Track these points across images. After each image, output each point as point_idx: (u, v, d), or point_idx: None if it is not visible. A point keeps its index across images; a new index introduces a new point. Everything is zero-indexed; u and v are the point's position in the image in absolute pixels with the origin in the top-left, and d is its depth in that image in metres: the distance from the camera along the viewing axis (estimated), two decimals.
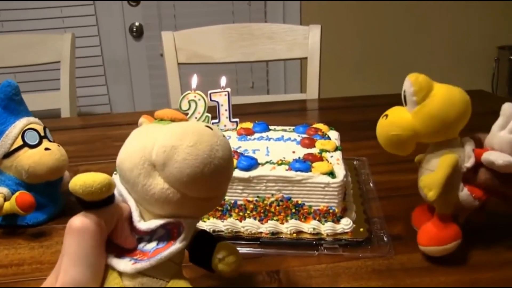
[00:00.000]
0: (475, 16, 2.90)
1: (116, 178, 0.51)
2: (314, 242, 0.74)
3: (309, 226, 0.75)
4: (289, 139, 0.88)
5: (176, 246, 0.49)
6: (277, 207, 0.76)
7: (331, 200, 0.75)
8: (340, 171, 0.76)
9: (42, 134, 0.83)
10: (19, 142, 0.81)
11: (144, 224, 0.50)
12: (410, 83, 0.66)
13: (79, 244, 0.46)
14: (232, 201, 0.77)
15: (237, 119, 0.96)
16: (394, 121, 0.69)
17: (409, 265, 0.69)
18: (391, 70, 2.87)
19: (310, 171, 0.75)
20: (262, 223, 0.76)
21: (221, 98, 0.94)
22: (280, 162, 0.78)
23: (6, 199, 0.79)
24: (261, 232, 0.76)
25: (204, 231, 0.58)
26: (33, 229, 0.82)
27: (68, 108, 1.75)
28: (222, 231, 0.76)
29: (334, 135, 0.91)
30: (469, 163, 0.67)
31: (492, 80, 2.93)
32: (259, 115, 1.13)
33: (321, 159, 0.78)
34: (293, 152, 0.82)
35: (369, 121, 1.33)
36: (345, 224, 0.75)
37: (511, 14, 2.93)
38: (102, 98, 2.72)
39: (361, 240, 0.74)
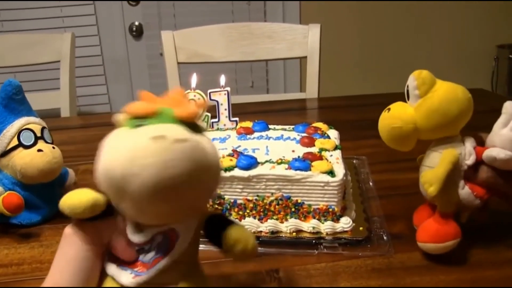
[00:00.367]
0: (475, 15, 2.90)
1: None
2: (313, 241, 0.74)
3: (308, 225, 0.75)
4: (288, 138, 0.88)
5: (174, 252, 0.48)
6: (276, 206, 0.76)
7: (331, 199, 0.75)
8: (340, 170, 0.76)
9: (39, 134, 0.83)
10: (15, 142, 0.81)
11: (137, 237, 0.49)
12: (414, 77, 0.67)
13: (66, 250, 0.49)
14: (232, 200, 0.77)
15: (237, 118, 0.96)
16: (396, 114, 0.69)
17: (409, 263, 0.69)
18: (390, 69, 2.87)
19: (310, 170, 0.75)
20: (261, 222, 0.76)
21: (221, 97, 0.94)
22: (279, 161, 0.78)
23: None
24: (260, 231, 0.76)
25: (218, 214, 0.55)
26: (33, 228, 0.82)
27: (68, 107, 1.75)
28: None
29: (333, 134, 0.91)
30: (470, 160, 0.67)
31: (492, 78, 2.93)
32: (259, 114, 1.13)
33: (320, 158, 0.78)
34: (293, 151, 0.82)
35: (368, 120, 1.34)
36: (345, 223, 0.75)
37: (510, 13, 2.93)
38: (102, 97, 2.72)
39: (360, 239, 0.74)
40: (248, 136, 0.90)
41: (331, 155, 0.81)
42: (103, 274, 0.51)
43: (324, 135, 0.89)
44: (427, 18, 2.87)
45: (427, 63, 2.90)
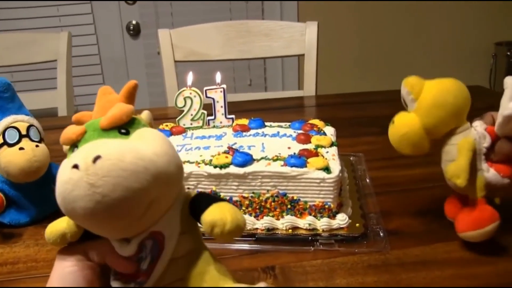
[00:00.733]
0: (473, 13, 2.90)
1: None
2: (309, 238, 0.74)
3: (304, 222, 0.75)
4: (284, 135, 0.88)
5: (165, 253, 0.48)
6: (272, 203, 0.76)
7: (327, 195, 0.75)
8: (336, 167, 0.76)
9: (24, 132, 0.81)
10: (0, 140, 0.80)
11: (124, 251, 0.48)
12: (403, 85, 0.70)
13: (56, 269, 0.51)
14: (228, 197, 0.76)
15: (233, 116, 0.96)
16: (400, 123, 0.71)
17: (405, 260, 0.69)
18: (388, 67, 2.87)
19: (306, 166, 0.74)
20: (257, 219, 0.76)
21: (217, 95, 0.94)
22: (275, 158, 0.77)
23: None
24: (256, 228, 0.75)
25: (199, 194, 0.52)
26: (29, 227, 0.82)
27: (65, 107, 1.75)
28: None
29: (330, 131, 0.91)
30: (486, 142, 0.68)
31: (490, 76, 2.93)
32: (256, 112, 1.13)
33: (316, 154, 0.78)
34: (289, 148, 0.82)
35: (366, 118, 1.35)
36: (341, 219, 0.75)
37: (508, 11, 2.93)
38: None
39: (357, 235, 0.74)
40: (244, 133, 0.89)
41: (327, 152, 0.81)
42: None
43: (320, 132, 0.89)
44: (425, 16, 2.87)
45: (425, 61, 2.91)
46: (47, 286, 0.50)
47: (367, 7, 2.79)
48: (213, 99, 0.94)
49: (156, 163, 0.44)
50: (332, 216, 0.76)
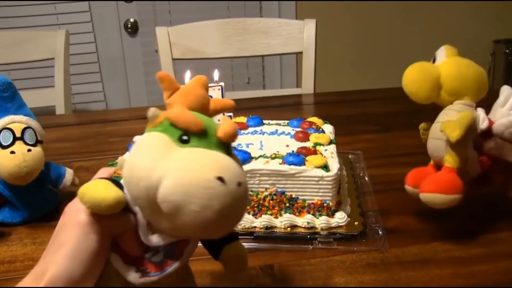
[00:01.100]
0: (471, 10, 2.90)
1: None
2: (308, 236, 0.73)
3: (303, 220, 0.75)
4: (283, 133, 0.87)
5: (183, 257, 0.48)
6: (271, 201, 0.76)
7: (325, 193, 0.74)
8: (334, 165, 0.75)
9: (18, 135, 0.79)
10: None
11: (153, 240, 0.47)
12: (443, 47, 0.79)
13: (81, 239, 0.45)
14: None
15: (231, 113, 0.95)
16: (425, 63, 0.78)
17: (403, 258, 0.69)
18: (386, 65, 2.87)
19: (304, 164, 0.74)
20: (256, 218, 0.76)
21: (215, 93, 0.93)
22: (273, 156, 0.77)
23: None
24: (255, 227, 0.75)
25: None
26: (26, 225, 0.82)
27: (63, 105, 1.74)
28: None
29: (328, 128, 0.90)
30: (483, 125, 0.70)
31: (488, 73, 2.92)
32: (255, 110, 1.13)
33: (315, 152, 0.78)
34: (287, 146, 0.81)
35: (364, 115, 1.35)
36: (340, 217, 0.75)
37: (506, 8, 2.92)
38: (98, 95, 2.71)
39: (355, 233, 0.74)
40: (242, 131, 0.89)
41: (326, 150, 0.81)
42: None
43: (319, 130, 0.88)
44: (423, 14, 2.87)
45: (423, 59, 2.89)
46: (57, 242, 0.46)
47: (365, 5, 2.78)
48: (211, 97, 0.93)
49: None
50: (331, 214, 0.75)
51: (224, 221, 0.42)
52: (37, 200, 0.83)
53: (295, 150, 0.79)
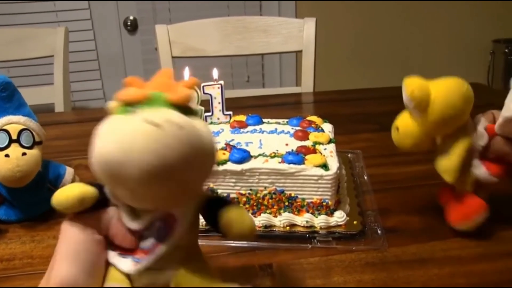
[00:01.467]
0: (471, 10, 2.90)
1: None
2: (307, 235, 0.73)
3: (302, 219, 0.75)
4: (282, 131, 0.87)
5: (172, 238, 0.48)
6: (270, 200, 0.76)
7: (325, 192, 0.74)
8: (333, 164, 0.75)
9: (14, 137, 0.78)
10: None
11: (135, 224, 0.49)
12: (408, 98, 0.67)
13: (64, 243, 0.48)
14: (225, 194, 0.76)
15: (231, 112, 0.95)
16: (406, 134, 0.71)
17: (402, 257, 0.69)
18: (386, 64, 2.87)
19: (303, 163, 0.74)
20: (255, 216, 0.76)
21: (214, 91, 0.93)
22: (273, 154, 0.77)
23: None
24: None
25: (215, 197, 0.56)
26: (25, 223, 0.81)
27: (62, 102, 1.74)
28: None
29: (327, 127, 0.90)
30: (482, 141, 0.69)
31: (488, 73, 2.93)
32: (254, 109, 1.13)
33: (314, 151, 0.78)
34: (286, 144, 0.81)
35: (364, 114, 1.35)
36: (339, 217, 0.75)
37: (506, 8, 2.92)
38: (97, 92, 2.71)
39: (354, 233, 0.74)
40: (241, 129, 0.89)
41: (325, 149, 0.80)
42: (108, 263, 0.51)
43: (318, 129, 0.88)
44: (423, 13, 2.87)
45: (423, 58, 2.91)
46: (56, 259, 0.48)
47: (365, 4, 2.78)
48: (211, 95, 0.93)
49: (214, 148, 0.48)
50: (330, 213, 0.75)
51: (168, 167, 0.42)
52: (35, 199, 0.83)
53: (294, 149, 0.79)
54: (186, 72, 0.93)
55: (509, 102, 0.67)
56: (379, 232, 0.74)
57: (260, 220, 0.75)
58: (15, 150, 0.78)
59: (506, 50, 2.83)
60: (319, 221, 0.74)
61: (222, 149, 0.79)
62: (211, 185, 0.76)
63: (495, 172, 0.69)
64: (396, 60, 2.88)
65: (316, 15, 1.74)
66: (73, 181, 0.87)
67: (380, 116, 1.29)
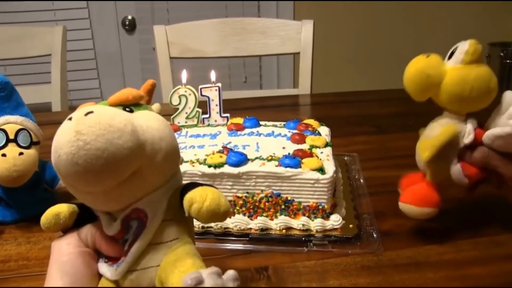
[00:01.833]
0: (467, 13, 2.90)
1: None
2: (303, 239, 0.74)
3: (298, 222, 0.75)
4: (279, 134, 0.87)
5: (146, 233, 0.48)
6: (266, 203, 0.76)
7: (321, 196, 0.74)
8: (330, 167, 0.75)
9: (11, 137, 0.79)
10: None
11: (110, 229, 0.50)
12: (468, 43, 0.69)
13: (54, 258, 0.51)
14: None
15: (228, 114, 0.95)
16: (433, 64, 0.69)
17: (398, 261, 0.69)
18: (383, 65, 2.87)
19: (300, 167, 0.74)
20: (251, 219, 0.76)
21: (212, 93, 0.94)
22: (270, 158, 0.77)
23: None
24: (250, 228, 0.75)
25: (188, 184, 0.51)
26: (21, 224, 0.81)
27: (59, 101, 1.74)
28: (211, 226, 0.75)
29: (324, 131, 0.90)
30: (467, 139, 0.68)
31: None
32: (251, 110, 1.13)
33: (311, 155, 0.78)
34: (283, 148, 0.81)
35: (360, 117, 1.35)
36: (335, 220, 0.75)
37: (502, 11, 2.93)
38: (94, 91, 2.70)
39: (350, 236, 0.74)
40: (238, 132, 0.89)
41: (322, 152, 0.81)
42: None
43: (315, 132, 0.88)
44: (420, 16, 2.87)
45: None
46: (47, 275, 0.50)
47: (363, 6, 2.79)
48: (208, 97, 0.94)
49: (145, 132, 0.46)
50: (326, 217, 0.76)
51: (82, 152, 0.42)
52: (31, 200, 0.83)
53: (291, 152, 0.79)
54: (184, 75, 0.93)
55: (508, 117, 0.67)
56: (374, 235, 0.74)
57: (257, 223, 0.75)
58: (12, 149, 0.78)
59: (502, 54, 2.83)
60: (315, 224, 0.75)
61: (219, 152, 0.79)
62: None
63: (470, 173, 0.69)
64: (394, 62, 2.87)
65: (314, 16, 1.75)
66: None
67: (377, 119, 1.30)
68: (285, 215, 0.76)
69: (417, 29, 2.89)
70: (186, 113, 0.94)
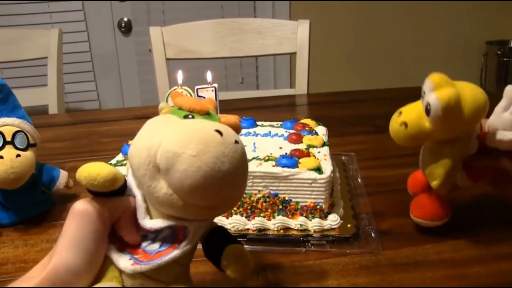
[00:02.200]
0: (464, 12, 2.91)
1: (125, 169, 0.50)
2: (301, 239, 0.73)
3: (296, 223, 0.75)
4: (276, 134, 0.87)
5: (178, 251, 0.47)
6: (264, 204, 0.75)
7: (318, 196, 0.74)
8: (327, 167, 0.75)
9: (8, 139, 0.78)
10: None
11: (149, 223, 0.48)
12: (437, 99, 0.61)
13: (77, 228, 0.46)
14: None
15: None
16: (413, 134, 0.66)
17: (396, 261, 0.69)
18: (380, 65, 2.88)
19: (297, 167, 0.74)
20: (249, 220, 0.76)
21: (208, 94, 0.93)
22: (267, 158, 0.77)
23: None
24: (248, 229, 0.75)
25: (220, 227, 0.54)
26: (18, 227, 0.81)
27: (55, 104, 1.74)
28: None
29: (321, 130, 0.90)
30: (473, 151, 0.68)
31: (481, 75, 2.94)
32: (248, 111, 1.13)
33: (308, 155, 0.78)
34: (280, 148, 0.81)
35: (357, 116, 1.35)
36: (333, 220, 0.75)
37: (499, 10, 2.94)
38: (91, 94, 2.70)
39: (348, 236, 0.73)
40: None
41: (319, 152, 0.81)
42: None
43: (312, 132, 0.88)
44: (416, 15, 2.88)
45: (416, 60, 2.92)
46: (62, 234, 0.46)
47: (359, 6, 2.79)
48: (205, 98, 0.93)
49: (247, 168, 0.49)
50: (324, 216, 0.75)
51: (221, 175, 0.43)
52: (28, 202, 0.83)
53: (288, 152, 0.79)
54: (180, 75, 0.93)
55: (500, 110, 0.67)
56: (373, 235, 0.74)
57: (254, 223, 0.75)
58: (9, 151, 0.77)
59: (499, 52, 2.84)
60: (313, 224, 0.74)
61: None
62: None
63: (473, 177, 0.70)
64: (390, 62, 2.89)
65: (310, 15, 1.75)
66: (67, 184, 0.87)
67: (374, 118, 1.30)
68: (283, 215, 0.76)
69: (413, 28, 2.89)
70: None
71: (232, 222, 0.75)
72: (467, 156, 0.69)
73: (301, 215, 0.76)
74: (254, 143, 0.83)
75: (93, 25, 2.62)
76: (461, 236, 0.72)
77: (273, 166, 0.75)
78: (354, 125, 1.27)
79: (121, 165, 0.82)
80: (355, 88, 1.74)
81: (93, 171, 0.45)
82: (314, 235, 0.74)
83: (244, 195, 0.75)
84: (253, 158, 0.77)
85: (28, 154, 0.80)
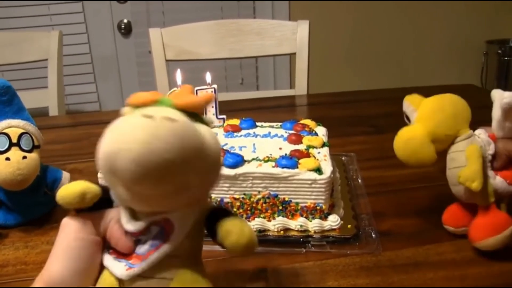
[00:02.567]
0: (464, 11, 2.91)
1: None
2: (301, 239, 0.73)
3: (296, 223, 0.75)
4: (276, 135, 0.87)
5: (168, 244, 0.47)
6: (264, 204, 0.75)
7: (318, 196, 0.74)
8: (327, 168, 0.75)
9: (14, 141, 0.79)
10: None
11: (131, 226, 0.48)
12: (404, 101, 0.73)
13: (62, 238, 0.48)
14: (219, 199, 0.76)
15: (224, 116, 0.95)
16: (403, 131, 0.71)
17: (397, 261, 0.69)
18: (379, 66, 2.87)
19: (297, 167, 0.74)
20: (249, 221, 0.76)
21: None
22: (266, 159, 0.77)
23: None
24: None
25: (218, 207, 0.53)
26: (19, 228, 0.81)
27: (56, 106, 1.74)
28: None
29: (321, 131, 0.90)
30: (490, 149, 0.68)
31: (481, 74, 2.94)
32: (248, 112, 1.13)
33: (308, 155, 0.78)
34: (280, 148, 0.81)
35: (357, 117, 1.35)
36: (333, 220, 0.75)
37: (499, 9, 2.94)
38: (91, 95, 2.70)
39: (348, 237, 0.73)
40: (235, 133, 0.89)
41: (319, 152, 0.80)
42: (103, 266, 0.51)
43: (311, 132, 0.88)
44: (416, 14, 2.87)
45: (416, 59, 2.92)
46: (52, 254, 0.48)
47: (358, 6, 2.79)
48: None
49: (218, 157, 0.48)
50: (324, 217, 0.75)
51: (154, 157, 0.41)
52: (32, 203, 0.83)
53: (288, 153, 0.79)
54: (178, 75, 0.93)
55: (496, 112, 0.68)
56: (373, 235, 0.74)
57: (254, 224, 0.75)
58: (15, 153, 0.78)
59: (500, 51, 2.84)
60: (313, 225, 0.74)
61: None
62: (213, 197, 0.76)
63: (511, 179, 0.69)
64: (390, 62, 2.89)
65: (310, 16, 1.75)
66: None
67: (374, 118, 1.30)
68: (283, 216, 0.76)
69: (413, 28, 2.89)
70: None
71: None
72: (491, 160, 0.69)
73: (301, 216, 0.76)
74: (254, 144, 0.83)
75: (93, 27, 2.62)
76: (461, 237, 0.72)
77: (273, 167, 0.75)
78: (354, 125, 1.27)
79: None
80: (355, 88, 1.73)
81: (66, 191, 0.48)
82: (314, 236, 0.74)
83: (244, 196, 0.75)
84: (253, 159, 0.77)
85: (34, 156, 0.80)
